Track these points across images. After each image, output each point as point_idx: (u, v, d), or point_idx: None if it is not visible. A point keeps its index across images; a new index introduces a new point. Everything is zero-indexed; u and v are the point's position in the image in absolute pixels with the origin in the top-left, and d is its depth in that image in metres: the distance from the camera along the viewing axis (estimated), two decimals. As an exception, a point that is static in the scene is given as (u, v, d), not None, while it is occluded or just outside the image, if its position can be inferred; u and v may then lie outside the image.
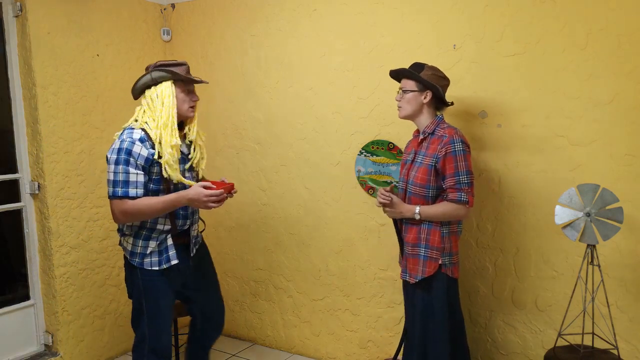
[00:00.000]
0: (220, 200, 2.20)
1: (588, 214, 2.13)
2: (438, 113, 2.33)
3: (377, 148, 2.89)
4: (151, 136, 2.21)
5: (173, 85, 2.25)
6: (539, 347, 2.55)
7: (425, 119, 2.30)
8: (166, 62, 2.30)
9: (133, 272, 2.31)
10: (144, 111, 2.26)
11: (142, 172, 2.18)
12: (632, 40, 2.20)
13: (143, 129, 2.22)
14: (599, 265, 2.16)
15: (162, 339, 2.34)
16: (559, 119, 2.39)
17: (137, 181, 2.16)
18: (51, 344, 3.16)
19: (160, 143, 2.21)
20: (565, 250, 2.44)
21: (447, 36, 2.61)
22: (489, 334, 2.69)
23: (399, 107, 2.33)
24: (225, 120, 3.53)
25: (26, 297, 3.15)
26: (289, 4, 3.12)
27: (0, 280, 3.16)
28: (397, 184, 2.93)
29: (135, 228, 2.27)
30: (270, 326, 3.50)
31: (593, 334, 2.20)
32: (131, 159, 2.15)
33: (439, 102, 2.31)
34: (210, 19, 3.49)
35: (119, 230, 2.37)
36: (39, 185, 3.05)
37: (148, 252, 2.27)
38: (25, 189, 3.09)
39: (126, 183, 2.14)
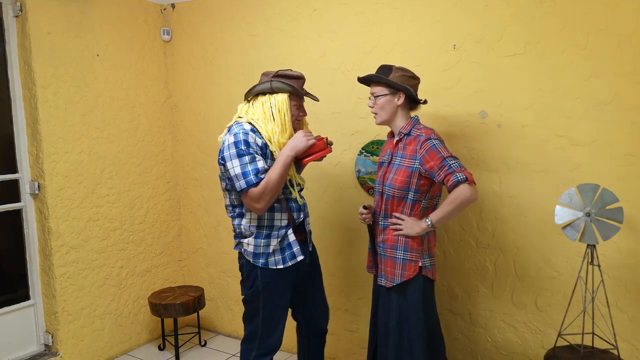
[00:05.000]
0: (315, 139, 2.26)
1: (588, 214, 2.13)
2: (412, 114, 2.29)
3: (377, 148, 2.89)
4: (259, 130, 2.24)
5: (289, 98, 2.26)
6: (539, 347, 2.55)
7: (400, 121, 2.25)
8: (286, 73, 2.29)
9: (252, 273, 2.31)
10: (248, 110, 2.30)
11: (262, 159, 2.20)
12: (632, 40, 2.20)
13: (250, 123, 2.25)
14: (599, 265, 2.16)
15: (273, 336, 2.36)
16: (559, 119, 2.39)
17: (263, 167, 2.17)
18: (51, 344, 3.16)
19: (270, 141, 2.25)
20: (565, 250, 2.44)
21: (447, 36, 2.61)
22: (489, 334, 2.69)
23: (374, 113, 2.28)
24: (225, 120, 3.52)
25: (26, 297, 3.15)
26: (289, 4, 3.12)
27: (0, 280, 3.17)
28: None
29: (253, 227, 2.27)
30: (270, 326, 3.49)
31: (593, 334, 2.20)
32: (250, 148, 2.17)
33: (412, 102, 2.27)
34: (210, 19, 3.49)
35: (235, 236, 2.37)
36: (39, 185, 3.06)
37: (271, 250, 2.27)
38: (25, 189, 3.09)
39: (256, 170, 2.15)
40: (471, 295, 2.72)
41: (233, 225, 2.36)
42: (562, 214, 2.18)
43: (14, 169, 3.08)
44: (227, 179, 2.26)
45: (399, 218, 2.23)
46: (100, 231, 3.32)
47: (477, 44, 2.54)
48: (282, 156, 2.19)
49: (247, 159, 2.15)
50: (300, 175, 2.42)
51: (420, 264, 2.20)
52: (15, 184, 3.08)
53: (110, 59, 3.36)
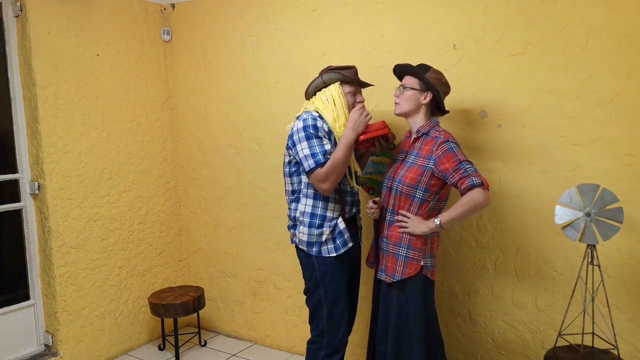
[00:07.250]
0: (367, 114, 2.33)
1: (588, 214, 2.13)
2: (434, 118, 2.31)
3: (377, 148, 2.88)
4: (324, 117, 2.35)
5: (340, 86, 2.36)
6: (539, 347, 2.55)
7: (420, 120, 2.27)
8: (335, 65, 2.41)
9: (309, 263, 2.39)
10: (312, 103, 2.41)
11: (329, 143, 2.31)
12: (632, 40, 2.20)
13: (316, 111, 2.37)
14: (599, 265, 2.16)
15: (340, 331, 2.40)
16: (559, 119, 2.39)
17: (330, 150, 2.28)
18: (51, 344, 3.16)
19: (333, 128, 2.35)
20: (565, 250, 2.44)
21: (447, 36, 2.61)
22: (489, 334, 2.69)
23: (397, 103, 2.29)
24: (225, 120, 3.53)
25: (26, 297, 3.15)
26: (289, 4, 3.12)
27: (0, 280, 3.16)
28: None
29: (307, 215, 2.36)
30: (271, 326, 3.50)
31: (593, 334, 2.20)
32: (319, 132, 2.29)
33: (435, 107, 2.29)
34: (211, 19, 3.49)
35: (289, 226, 2.47)
36: (39, 185, 3.06)
37: (324, 239, 2.35)
38: (25, 189, 3.09)
39: (324, 151, 2.26)
40: (471, 295, 2.72)
41: (289, 210, 2.45)
42: (562, 214, 2.18)
43: (14, 169, 3.09)
44: (295, 163, 2.37)
45: (404, 216, 2.24)
46: (100, 231, 3.32)
47: (477, 44, 2.54)
48: (344, 137, 2.28)
49: (315, 141, 2.27)
50: (357, 163, 2.49)
51: (422, 263, 2.20)
52: (15, 184, 3.08)
53: (110, 59, 3.36)
